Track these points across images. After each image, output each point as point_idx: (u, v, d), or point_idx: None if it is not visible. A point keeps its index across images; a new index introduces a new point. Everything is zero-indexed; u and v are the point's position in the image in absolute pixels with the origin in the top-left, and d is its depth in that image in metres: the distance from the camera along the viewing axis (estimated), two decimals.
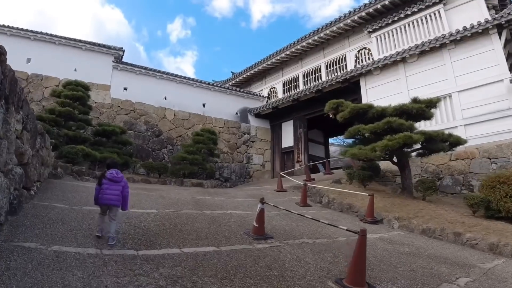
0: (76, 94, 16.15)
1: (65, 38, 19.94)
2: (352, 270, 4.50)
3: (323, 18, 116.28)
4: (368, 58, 20.40)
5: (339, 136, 35.54)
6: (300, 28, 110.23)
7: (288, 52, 24.65)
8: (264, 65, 26.60)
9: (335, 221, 8.96)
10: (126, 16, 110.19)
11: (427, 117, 12.51)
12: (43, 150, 8.32)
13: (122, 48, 21.13)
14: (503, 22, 13.91)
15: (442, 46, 15.73)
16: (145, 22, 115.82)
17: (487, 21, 14.28)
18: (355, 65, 20.72)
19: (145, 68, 22.27)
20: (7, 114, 4.39)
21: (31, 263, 3.58)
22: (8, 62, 4.18)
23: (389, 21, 18.64)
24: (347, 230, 4.93)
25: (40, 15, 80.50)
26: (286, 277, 4.42)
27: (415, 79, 16.68)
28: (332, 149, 33.55)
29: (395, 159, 12.37)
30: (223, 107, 24.74)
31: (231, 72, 30.58)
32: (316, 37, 22.57)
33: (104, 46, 20.85)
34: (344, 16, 20.83)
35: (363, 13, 19.96)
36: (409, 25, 18.11)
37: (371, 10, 19.67)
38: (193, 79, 24.22)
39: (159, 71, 22.79)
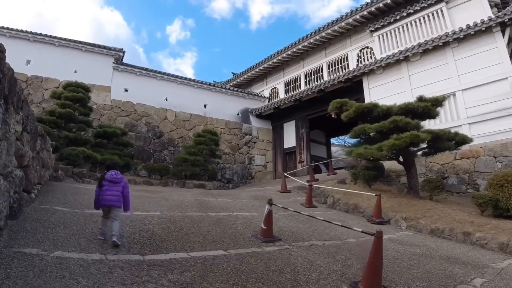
0: (76, 95, 15.97)
1: (65, 39, 19.77)
2: (368, 273, 4.32)
3: (322, 19, 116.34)
4: (370, 57, 20.26)
5: (340, 136, 35.55)
6: (299, 29, 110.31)
7: (289, 52, 24.50)
8: (265, 65, 26.44)
9: (342, 222, 8.76)
10: (125, 18, 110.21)
11: (433, 115, 12.36)
12: (43, 152, 8.14)
13: (122, 49, 20.97)
14: (506, 20, 13.79)
15: (445, 44, 15.58)
16: (144, 24, 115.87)
17: (490, 19, 14.17)
18: (357, 65, 20.58)
19: (146, 69, 22.11)
20: (7, 115, 4.21)
21: (33, 271, 3.38)
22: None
23: (391, 20, 18.52)
24: (362, 231, 4.74)
25: (39, 17, 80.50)
26: (300, 281, 4.24)
27: (418, 78, 16.52)
28: (332, 149, 33.34)
29: (400, 159, 12.21)
30: (225, 108, 24.56)
31: (232, 72, 30.43)
32: (317, 37, 22.44)
33: (104, 47, 20.68)
34: (346, 15, 20.69)
35: (365, 12, 19.84)
36: (411, 24, 17.98)
37: (373, 9, 19.54)
38: (194, 80, 24.06)
39: (159, 72, 22.63)
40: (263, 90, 27.92)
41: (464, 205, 11.11)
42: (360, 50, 21.07)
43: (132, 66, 21.67)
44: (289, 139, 24.29)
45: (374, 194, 10.22)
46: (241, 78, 29.08)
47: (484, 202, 9.76)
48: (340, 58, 22.33)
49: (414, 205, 10.59)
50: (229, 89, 25.74)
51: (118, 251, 4.46)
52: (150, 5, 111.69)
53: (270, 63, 26.10)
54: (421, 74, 16.46)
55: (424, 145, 11.83)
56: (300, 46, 23.67)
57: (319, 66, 23.65)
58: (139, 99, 21.22)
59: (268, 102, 26.58)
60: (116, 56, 21.00)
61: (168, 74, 23.05)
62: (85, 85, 17.23)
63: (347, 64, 21.67)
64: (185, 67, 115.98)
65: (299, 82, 25.02)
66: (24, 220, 5.03)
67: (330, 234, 7.44)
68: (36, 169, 6.83)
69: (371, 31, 19.60)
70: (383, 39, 19.14)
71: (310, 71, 24.31)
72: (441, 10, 16.88)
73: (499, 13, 14.31)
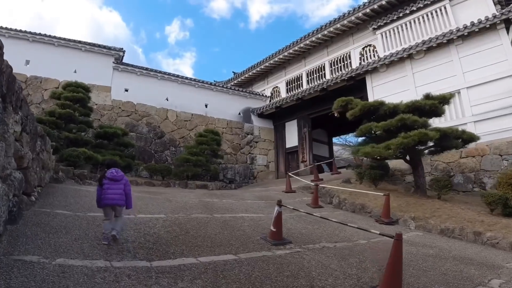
0: (76, 95, 15.71)
1: (64, 39, 19.51)
2: (387, 278, 4.12)
3: (321, 18, 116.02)
4: (373, 55, 20.03)
5: (341, 136, 35.35)
6: (298, 28, 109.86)
7: (291, 51, 24.25)
8: (267, 64, 26.18)
9: (350, 223, 8.56)
10: (124, 18, 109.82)
11: (439, 113, 12.16)
12: (43, 153, 7.91)
13: (122, 48, 20.72)
14: (511, 17, 13.59)
15: (450, 42, 15.37)
16: (143, 24, 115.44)
17: (494, 16, 13.98)
18: (360, 63, 20.36)
19: (146, 69, 21.86)
20: (5, 114, 3.99)
21: (34, 281, 3.14)
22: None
23: (394, 18, 18.31)
24: (380, 234, 4.51)
25: (38, 18, 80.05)
26: (316, 287, 4.02)
27: (422, 75, 16.31)
28: (334, 148, 33.17)
29: (407, 157, 12.00)
30: (226, 108, 24.30)
31: (233, 72, 30.18)
32: (319, 35, 22.19)
33: (104, 47, 20.43)
34: (348, 13, 20.46)
35: (368, 10, 19.61)
36: (414, 21, 17.77)
37: (375, 6, 19.31)
38: (194, 80, 23.80)
39: (160, 72, 22.38)
40: (264, 89, 27.66)
41: (472, 204, 10.91)
42: (363, 48, 20.84)
43: (132, 66, 21.42)
44: (291, 139, 24.03)
45: (381, 194, 10.10)
46: (242, 78, 28.82)
47: (493, 201, 9.55)
48: (342, 56, 22.09)
49: (422, 204, 10.40)
50: (230, 88, 25.49)
51: (124, 256, 4.24)
52: (149, 5, 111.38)
53: (271, 62, 25.83)
54: (425, 72, 16.25)
55: (431, 144, 11.63)
56: (301, 45, 23.42)
57: (321, 65, 23.40)
58: (140, 99, 20.97)
59: (270, 101, 26.32)
60: (116, 55, 20.75)
61: (169, 74, 22.79)
62: (85, 85, 16.96)
63: (350, 62, 21.43)
64: (185, 67, 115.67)
65: (301, 81, 24.77)
66: (24, 224, 4.81)
67: (340, 236, 7.23)
68: (36, 171, 6.61)
69: (374, 29, 19.38)
70: (386, 37, 18.93)
71: (312, 69, 24.06)
72: (445, 8, 16.68)
73: (503, 10, 14.12)
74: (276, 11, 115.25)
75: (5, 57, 3.86)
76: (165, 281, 3.60)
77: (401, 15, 18.03)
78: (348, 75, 18.96)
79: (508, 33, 14.02)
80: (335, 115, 13.79)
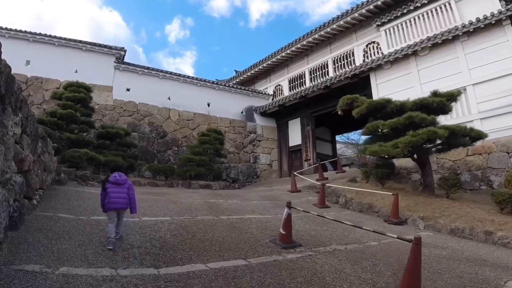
0: (77, 95, 15.52)
1: (64, 39, 19.32)
2: (406, 284, 3.92)
3: (321, 16, 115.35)
4: (377, 52, 19.77)
5: (343, 134, 35.14)
6: (298, 26, 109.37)
7: (293, 49, 23.99)
8: (269, 62, 25.92)
9: (358, 223, 8.37)
10: (124, 18, 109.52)
11: (447, 111, 11.97)
12: (45, 155, 7.73)
13: (123, 48, 20.52)
14: None
15: (455, 38, 15.14)
16: (143, 23, 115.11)
17: (500, 12, 13.76)
18: (364, 60, 20.12)
19: (148, 68, 21.66)
20: (4, 116, 3.80)
21: None
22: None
23: (398, 14, 18.04)
24: (398, 238, 4.32)
25: (38, 19, 79.77)
26: None
27: (427, 72, 16.08)
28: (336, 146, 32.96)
29: (414, 156, 11.80)
30: (228, 106, 24.08)
31: (235, 70, 29.92)
32: (322, 32, 21.94)
33: (105, 46, 20.23)
34: (351, 10, 20.22)
35: (371, 6, 19.34)
36: (419, 18, 17.51)
37: (379, 3, 19.04)
38: (196, 78, 23.59)
39: (161, 71, 22.17)
40: (266, 88, 27.42)
41: (481, 202, 10.72)
42: (366, 45, 20.58)
43: (133, 65, 21.22)
44: (295, 137, 23.82)
45: (389, 193, 9.99)
46: (244, 76, 28.58)
47: (503, 200, 9.36)
48: (345, 53, 21.83)
49: (431, 203, 10.21)
50: (232, 87, 25.27)
51: (130, 263, 4.05)
52: (149, 5, 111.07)
53: (273, 60, 25.56)
54: (431, 68, 16.01)
55: (438, 141, 11.42)
56: (304, 42, 23.16)
57: (324, 62, 23.14)
58: (142, 98, 20.77)
59: (272, 99, 26.08)
60: (117, 55, 20.55)
61: (171, 73, 22.58)
62: (86, 85, 16.76)
63: (353, 59, 21.17)
64: (185, 66, 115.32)
65: (303, 79, 24.50)
66: (26, 230, 4.62)
67: (350, 237, 7.05)
68: (37, 173, 6.42)
69: (378, 25, 19.12)
70: (390, 34, 18.66)
71: (315, 67, 23.79)
72: (449, 4, 16.41)
73: (509, 6, 13.91)
74: (276, 9, 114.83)
75: (5, 58, 3.69)
76: None
77: (405, 11, 17.77)
78: (352, 73, 18.73)
79: None
80: (339, 113, 13.58)
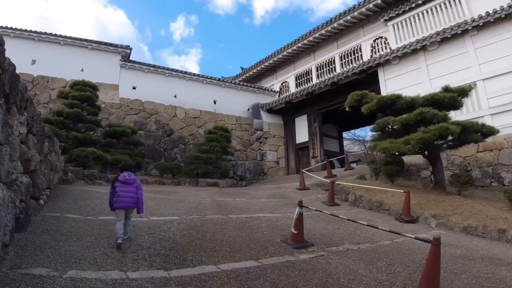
0: (84, 94, 15.47)
1: (70, 38, 19.30)
2: (425, 286, 3.77)
3: (326, 12, 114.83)
4: (385, 47, 19.48)
5: (350, 130, 34.83)
6: (303, 22, 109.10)
7: (299, 45, 23.74)
8: (275, 58, 25.71)
9: (369, 222, 8.21)
10: (129, 16, 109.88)
11: (458, 106, 11.68)
12: (51, 154, 7.66)
13: (129, 46, 20.44)
14: None
15: (464, 32, 14.83)
16: (148, 22, 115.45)
17: (510, 6, 13.43)
18: (371, 55, 19.85)
19: (154, 66, 21.59)
20: (8, 116, 3.69)
21: None
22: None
23: (406, 8, 17.73)
24: (416, 238, 4.15)
25: (43, 19, 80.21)
26: None
27: (436, 67, 15.79)
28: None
29: (425, 153, 11.58)
30: (235, 104, 23.95)
31: (241, 67, 29.79)
32: (329, 28, 21.67)
33: (110, 44, 20.17)
34: (359, 5, 19.92)
35: (379, 1, 19.01)
36: (427, 12, 17.18)
37: None
38: (202, 76, 23.48)
39: (167, 69, 22.09)
40: (273, 84, 27.21)
41: (493, 199, 10.49)
42: (374, 41, 20.28)
43: (139, 63, 21.16)
44: (302, 134, 23.64)
45: (400, 191, 9.80)
46: (250, 73, 28.39)
47: None
48: (353, 49, 21.54)
49: (442, 201, 9.98)
50: (238, 84, 25.14)
51: (139, 265, 3.93)
52: (153, 3, 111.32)
53: (280, 56, 25.34)
54: (440, 63, 15.73)
55: (449, 138, 11.19)
56: (311, 38, 22.91)
57: (331, 58, 22.87)
58: (148, 96, 20.72)
59: (279, 96, 25.90)
60: (123, 53, 20.48)
61: (177, 71, 22.46)
62: (92, 84, 16.71)
63: (361, 55, 20.89)
64: (190, 64, 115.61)
65: (310, 75, 24.27)
66: (33, 232, 4.52)
67: (362, 236, 6.88)
68: (44, 173, 6.34)
69: (385, 20, 18.83)
70: (398, 28, 18.36)
71: (322, 63, 23.53)
72: None
73: None
74: (281, 6, 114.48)
75: (11, 57, 3.58)
76: None
77: (413, 5, 17.46)
78: (359, 68, 18.48)
79: None
80: (346, 109, 13.38)
